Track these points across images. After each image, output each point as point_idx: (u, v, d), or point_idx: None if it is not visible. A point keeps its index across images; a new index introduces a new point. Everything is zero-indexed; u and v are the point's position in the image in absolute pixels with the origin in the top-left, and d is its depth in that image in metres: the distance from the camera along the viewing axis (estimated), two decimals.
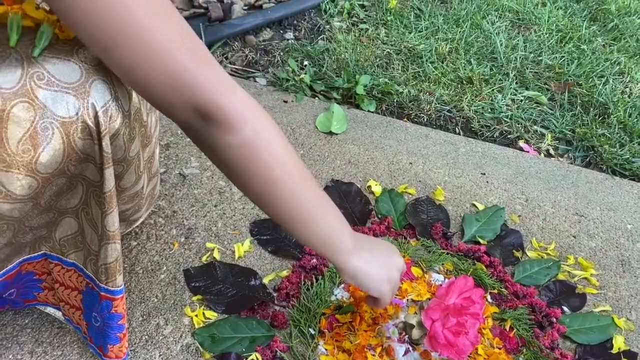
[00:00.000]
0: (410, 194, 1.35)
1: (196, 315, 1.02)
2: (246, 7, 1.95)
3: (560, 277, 1.18)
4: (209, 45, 1.77)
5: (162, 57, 0.60)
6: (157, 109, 0.71)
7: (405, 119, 1.65)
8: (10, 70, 0.63)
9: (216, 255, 1.14)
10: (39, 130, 0.64)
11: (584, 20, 2.17)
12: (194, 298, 1.05)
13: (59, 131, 0.65)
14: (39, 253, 0.80)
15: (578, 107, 1.73)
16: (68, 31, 0.69)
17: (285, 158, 0.70)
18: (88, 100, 0.66)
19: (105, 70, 0.69)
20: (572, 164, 1.57)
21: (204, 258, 1.13)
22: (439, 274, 1.15)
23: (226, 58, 1.78)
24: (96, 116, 0.66)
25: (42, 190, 0.68)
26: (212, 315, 1.03)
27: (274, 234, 1.19)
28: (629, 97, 1.79)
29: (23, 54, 0.65)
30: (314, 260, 1.13)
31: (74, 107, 0.65)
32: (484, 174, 1.45)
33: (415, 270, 1.13)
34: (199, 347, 0.97)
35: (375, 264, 0.82)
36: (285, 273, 1.12)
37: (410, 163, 1.46)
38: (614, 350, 1.06)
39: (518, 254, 1.22)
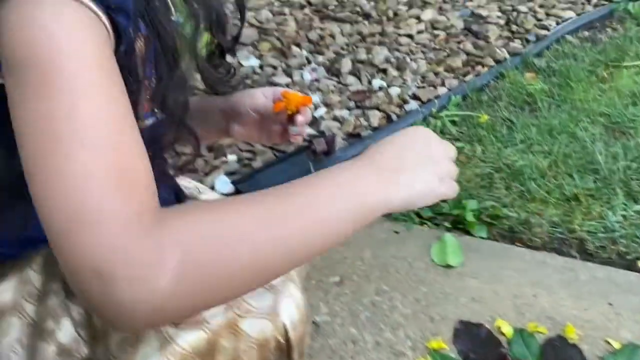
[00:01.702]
0: (541, 332, 1.36)
1: None
2: (345, 137, 2.05)
3: None
4: None
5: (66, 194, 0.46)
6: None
7: (518, 243, 1.67)
8: None
9: None
10: (240, 354, 0.71)
11: None
12: None
13: (256, 352, 0.71)
14: None
15: None
16: None
17: (238, 228, 0.51)
18: (279, 322, 0.72)
19: (290, 288, 0.75)
20: None
21: None
22: None
23: None
24: (287, 333, 0.73)
25: None
26: None
27: None
28: None
29: None
30: None
31: (269, 329, 0.72)
32: (611, 304, 1.44)
33: None
34: None
35: (415, 177, 0.64)
36: None
37: (534, 295, 1.47)
38: None
39: None
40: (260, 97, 0.93)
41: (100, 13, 0.52)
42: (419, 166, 0.65)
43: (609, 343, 1.33)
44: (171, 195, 0.88)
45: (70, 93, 0.48)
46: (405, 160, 0.65)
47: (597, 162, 1.93)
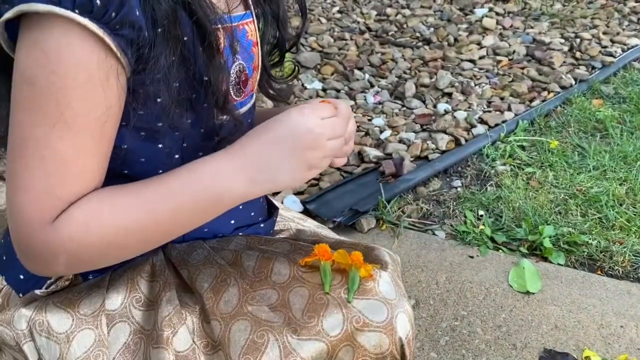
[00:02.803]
0: None
1: None
2: (412, 159, 2.03)
3: None
4: (388, 201, 1.84)
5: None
6: None
7: (598, 272, 1.61)
8: (332, 316, 0.71)
9: None
10: None
11: None
12: None
13: None
14: None
15: None
16: (365, 268, 0.76)
17: (120, 218, 0.63)
18: (396, 336, 0.72)
19: (404, 303, 0.75)
20: None
21: None
22: None
23: (403, 212, 1.85)
24: (402, 347, 0.73)
25: None
26: None
27: None
28: None
29: (338, 299, 0.73)
30: None
31: (385, 343, 0.71)
32: None
33: None
34: None
35: (277, 173, 0.67)
36: None
37: (622, 326, 1.41)
38: None
39: None
40: None
41: (103, 36, 0.56)
42: (285, 161, 0.67)
43: None
44: None
45: (50, 118, 0.58)
46: (271, 156, 0.67)
47: None
